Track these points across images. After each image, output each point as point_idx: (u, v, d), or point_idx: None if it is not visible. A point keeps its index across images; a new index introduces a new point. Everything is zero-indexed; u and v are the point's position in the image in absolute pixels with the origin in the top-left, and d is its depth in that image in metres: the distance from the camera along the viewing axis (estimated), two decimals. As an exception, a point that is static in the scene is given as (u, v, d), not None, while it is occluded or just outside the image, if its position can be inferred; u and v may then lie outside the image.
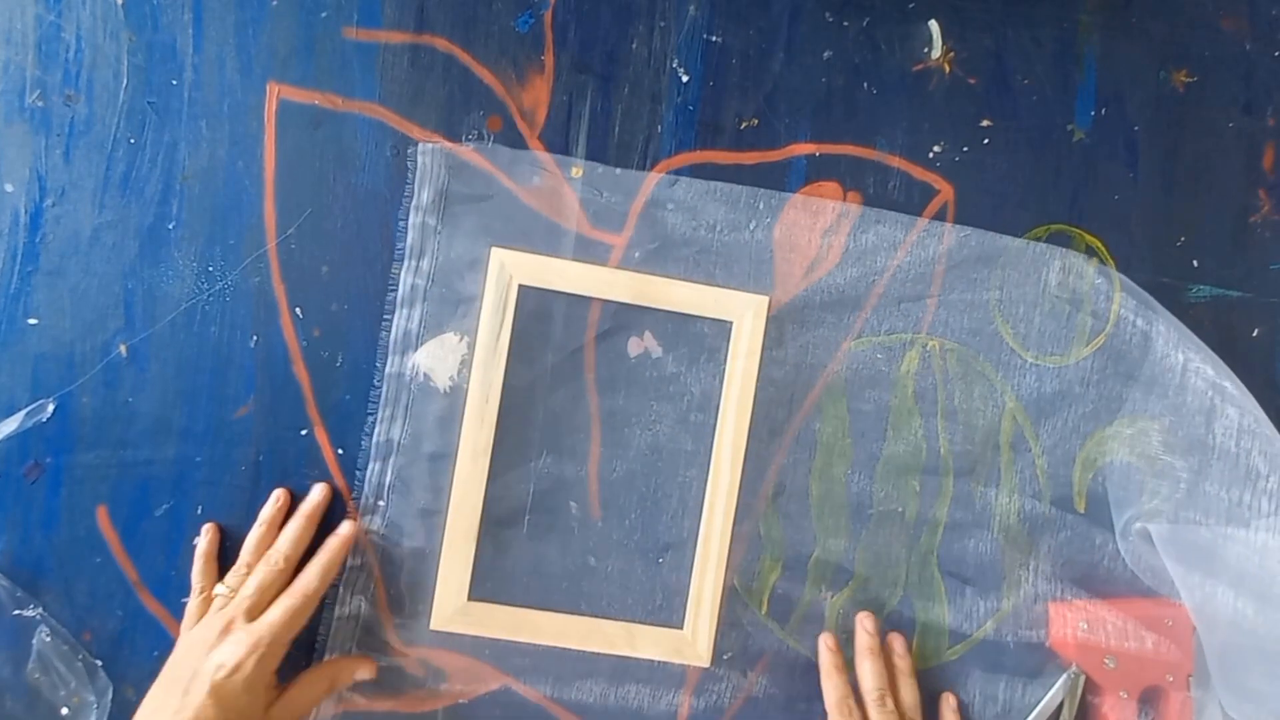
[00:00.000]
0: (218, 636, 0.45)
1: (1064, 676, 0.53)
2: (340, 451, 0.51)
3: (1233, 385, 0.52)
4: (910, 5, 0.53)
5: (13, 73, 0.49)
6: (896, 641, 0.53)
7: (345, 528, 0.50)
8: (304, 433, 0.50)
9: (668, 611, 0.52)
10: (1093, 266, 0.53)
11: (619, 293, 0.51)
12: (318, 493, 0.50)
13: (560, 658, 0.52)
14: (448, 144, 0.51)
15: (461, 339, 0.51)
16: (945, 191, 0.53)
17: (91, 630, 0.50)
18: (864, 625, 0.52)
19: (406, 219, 0.51)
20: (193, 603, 0.48)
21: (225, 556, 0.50)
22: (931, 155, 0.53)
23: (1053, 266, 0.53)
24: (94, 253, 0.49)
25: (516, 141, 0.51)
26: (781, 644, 0.53)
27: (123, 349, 0.50)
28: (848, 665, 0.52)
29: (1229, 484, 0.51)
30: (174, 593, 0.50)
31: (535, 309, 0.51)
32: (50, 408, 0.49)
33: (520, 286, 0.50)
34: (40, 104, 0.49)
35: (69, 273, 0.49)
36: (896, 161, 0.53)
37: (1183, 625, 0.52)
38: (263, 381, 0.50)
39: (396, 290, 0.51)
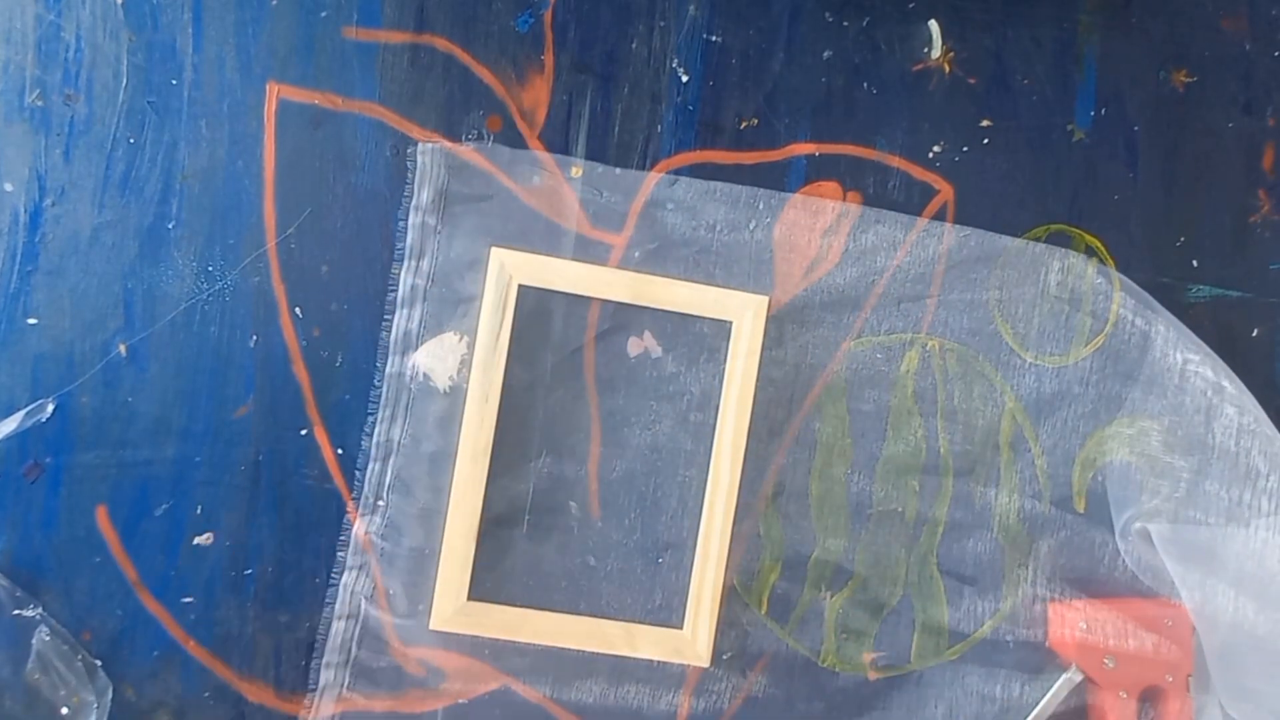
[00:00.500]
0: None
1: (1063, 677, 0.53)
2: (340, 451, 0.51)
3: (1232, 385, 0.52)
4: (910, 5, 0.53)
5: (12, 72, 0.49)
6: None
7: None
8: (304, 433, 0.50)
9: (667, 611, 0.52)
10: (1092, 266, 0.53)
11: (619, 293, 0.51)
12: None
13: (560, 658, 0.52)
14: (447, 144, 0.51)
15: (461, 339, 0.51)
16: (945, 191, 0.53)
17: (91, 630, 0.50)
18: None
19: (406, 219, 0.51)
20: None
21: (225, 557, 0.50)
22: (931, 155, 0.53)
23: (1052, 266, 0.53)
24: (94, 252, 0.49)
25: (516, 141, 0.51)
26: (781, 644, 0.53)
27: (122, 349, 0.50)
28: (847, 665, 0.52)
29: (1229, 483, 0.51)
30: (174, 593, 0.50)
31: (535, 309, 0.51)
32: (50, 408, 0.49)
33: (520, 286, 0.50)
34: (40, 103, 0.49)
35: (69, 272, 0.49)
36: (896, 161, 0.53)
37: (1183, 625, 0.52)
38: (262, 381, 0.50)
39: (396, 290, 0.51)
